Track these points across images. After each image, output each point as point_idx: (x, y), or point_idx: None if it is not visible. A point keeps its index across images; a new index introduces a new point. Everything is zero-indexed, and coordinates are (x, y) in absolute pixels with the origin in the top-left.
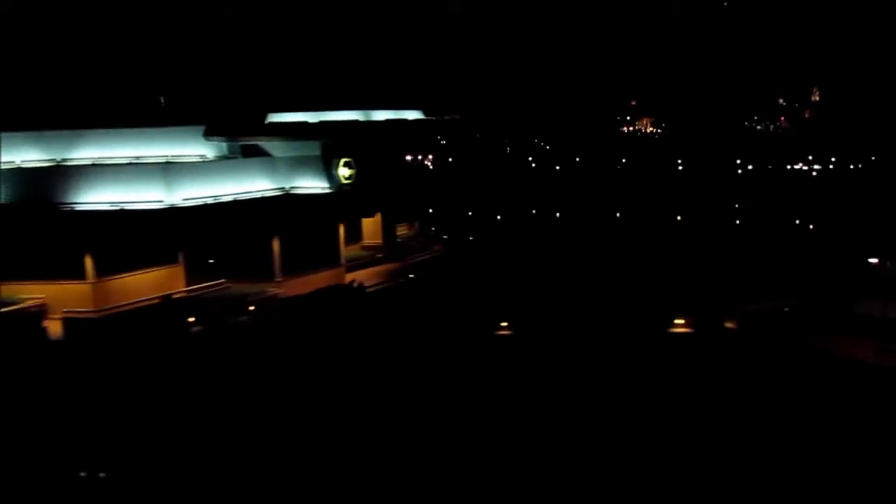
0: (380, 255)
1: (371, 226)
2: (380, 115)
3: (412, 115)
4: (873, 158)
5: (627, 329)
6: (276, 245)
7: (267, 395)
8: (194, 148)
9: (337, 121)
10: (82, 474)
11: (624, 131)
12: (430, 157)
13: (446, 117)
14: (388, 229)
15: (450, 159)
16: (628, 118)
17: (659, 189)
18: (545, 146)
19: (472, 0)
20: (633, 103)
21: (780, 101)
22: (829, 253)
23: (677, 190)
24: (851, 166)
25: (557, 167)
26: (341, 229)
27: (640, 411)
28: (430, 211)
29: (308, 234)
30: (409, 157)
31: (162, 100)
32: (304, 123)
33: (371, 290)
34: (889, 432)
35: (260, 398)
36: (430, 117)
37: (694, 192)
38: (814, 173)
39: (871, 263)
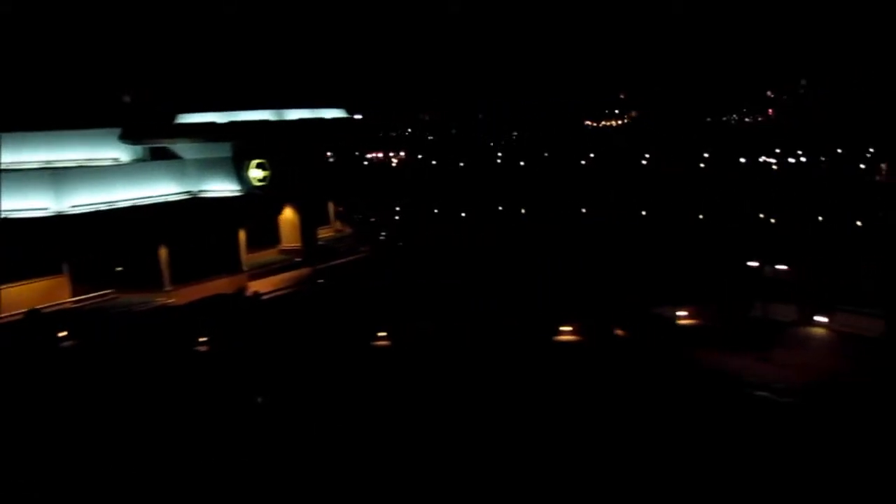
0: (297, 259)
1: (290, 228)
2: (296, 115)
3: (333, 114)
4: (839, 151)
5: (512, 338)
6: (163, 253)
7: (116, 413)
8: (110, 151)
9: (248, 121)
10: None
11: (612, 125)
12: (402, 154)
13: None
14: (307, 232)
15: (419, 157)
16: (616, 111)
17: (627, 185)
18: (524, 144)
19: (470, 1)
20: (622, 96)
21: (769, 93)
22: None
23: (646, 185)
24: (823, 158)
25: (522, 163)
26: (242, 234)
27: (502, 425)
28: (398, 209)
29: (204, 239)
30: (380, 156)
31: (127, 98)
32: (213, 124)
33: (270, 297)
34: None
35: (109, 416)
36: (351, 116)
37: (662, 188)
38: (774, 167)
39: (752, 267)
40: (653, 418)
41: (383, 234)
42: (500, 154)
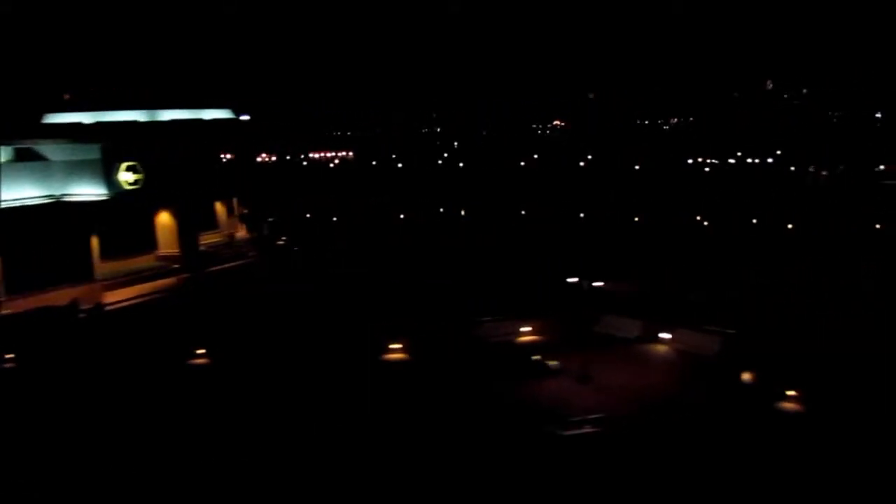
0: (175, 266)
1: (167, 233)
2: (172, 116)
3: (216, 114)
4: (779, 153)
5: (340, 355)
6: None
7: None
8: None
9: (118, 121)
10: None
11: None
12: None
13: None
14: (185, 237)
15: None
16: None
17: (569, 187)
18: (476, 145)
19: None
20: (591, 96)
21: (735, 94)
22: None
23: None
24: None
25: (461, 164)
26: (94, 241)
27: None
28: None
29: (47, 247)
30: (328, 155)
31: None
32: (80, 124)
33: (117, 307)
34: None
35: None
36: (237, 116)
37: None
38: (706, 168)
39: (571, 282)
40: (429, 453)
41: (283, 237)
42: (445, 155)
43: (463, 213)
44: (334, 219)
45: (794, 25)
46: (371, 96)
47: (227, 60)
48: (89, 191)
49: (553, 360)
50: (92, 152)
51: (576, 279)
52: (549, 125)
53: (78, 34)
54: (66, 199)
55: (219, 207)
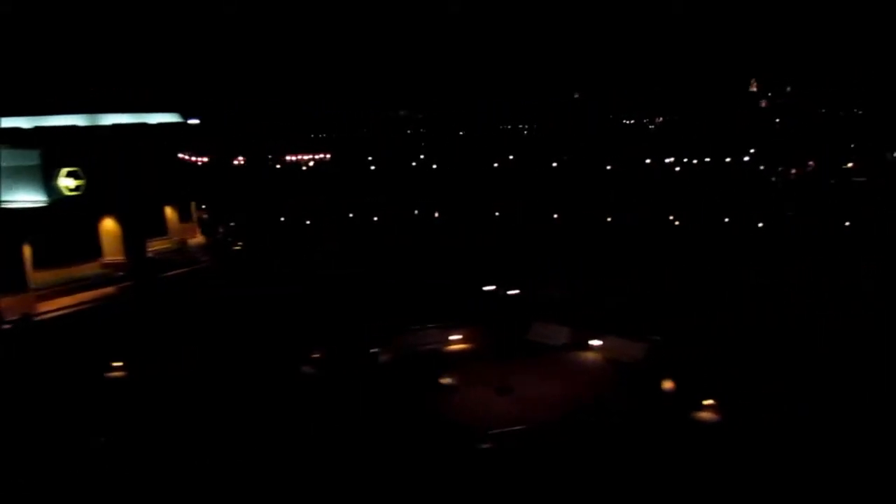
0: (120, 274)
1: (112, 240)
2: (115, 120)
3: (163, 118)
4: (754, 150)
5: (259, 368)
6: None
7: None
8: None
9: (57, 126)
10: None
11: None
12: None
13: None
14: (130, 243)
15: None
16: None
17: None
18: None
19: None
20: (577, 96)
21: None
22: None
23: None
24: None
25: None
26: (27, 249)
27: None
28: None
29: None
30: (305, 157)
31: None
32: (18, 129)
33: (47, 318)
34: None
35: None
36: (185, 120)
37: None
38: (678, 168)
39: (488, 291)
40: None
41: (240, 243)
42: (422, 157)
43: (437, 214)
44: (307, 222)
45: (779, 23)
46: (357, 98)
47: (202, 61)
48: (27, 197)
49: (451, 376)
50: (31, 158)
51: (492, 287)
52: (535, 125)
53: (15, 36)
54: (3, 205)
55: (169, 212)
